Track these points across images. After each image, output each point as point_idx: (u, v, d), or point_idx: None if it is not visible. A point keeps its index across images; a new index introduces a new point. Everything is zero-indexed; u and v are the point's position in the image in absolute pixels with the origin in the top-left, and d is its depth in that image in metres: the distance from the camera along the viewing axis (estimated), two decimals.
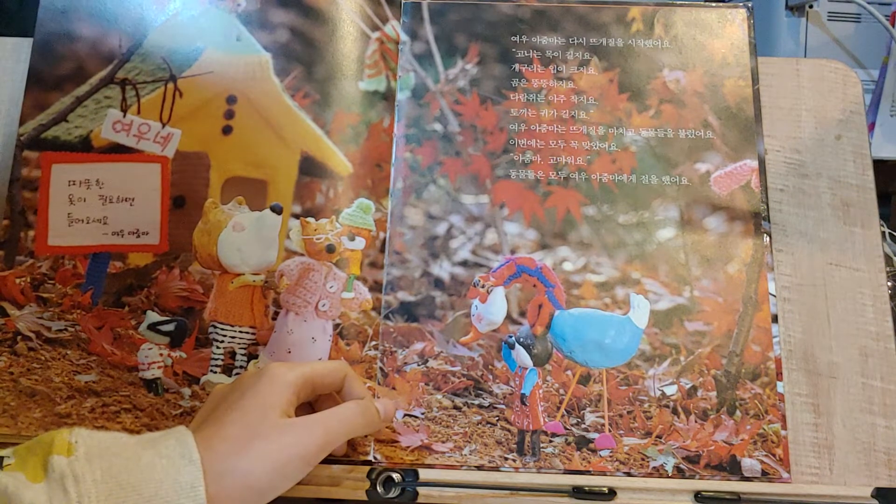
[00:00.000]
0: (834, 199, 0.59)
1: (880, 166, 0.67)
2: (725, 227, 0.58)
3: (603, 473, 0.52)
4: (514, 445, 0.53)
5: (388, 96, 0.61)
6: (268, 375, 0.45)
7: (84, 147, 0.59)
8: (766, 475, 0.52)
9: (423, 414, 0.54)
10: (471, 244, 0.58)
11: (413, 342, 0.56)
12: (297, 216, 0.58)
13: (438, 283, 0.57)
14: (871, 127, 0.82)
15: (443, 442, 0.53)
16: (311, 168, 0.59)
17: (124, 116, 0.60)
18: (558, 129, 0.61)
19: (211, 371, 0.55)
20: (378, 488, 0.51)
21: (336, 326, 0.56)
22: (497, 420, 0.54)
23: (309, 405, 0.50)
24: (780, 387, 0.55)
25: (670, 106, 0.61)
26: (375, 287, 0.57)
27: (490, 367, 0.55)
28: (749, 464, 0.53)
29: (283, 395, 0.45)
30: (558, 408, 0.54)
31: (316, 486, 0.50)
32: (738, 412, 0.54)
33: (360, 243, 0.58)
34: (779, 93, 0.62)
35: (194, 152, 0.60)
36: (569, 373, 0.55)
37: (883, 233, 0.64)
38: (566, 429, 0.54)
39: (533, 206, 0.59)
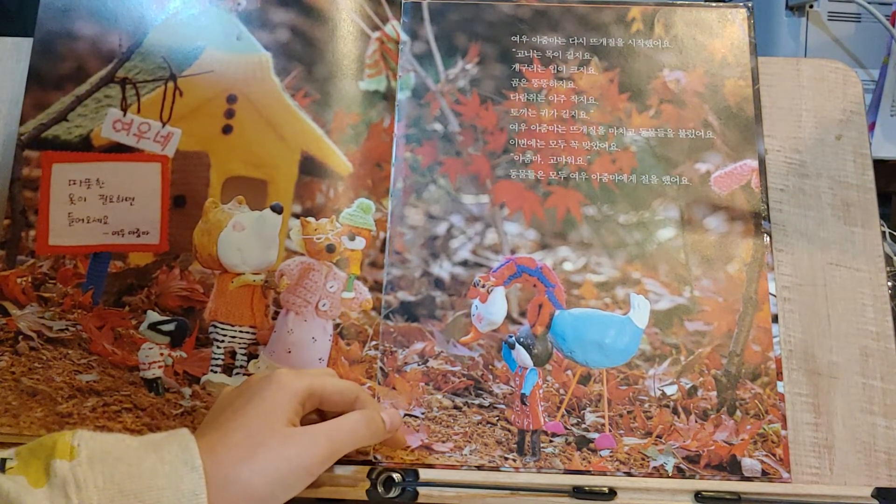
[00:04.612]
0: (834, 199, 0.59)
1: (880, 166, 0.67)
2: (726, 226, 0.58)
3: (603, 473, 0.52)
4: (515, 445, 0.54)
5: (388, 96, 0.61)
6: (275, 382, 0.45)
7: (84, 146, 0.59)
8: (766, 475, 0.53)
9: (423, 414, 0.54)
10: (471, 244, 0.58)
11: (413, 342, 0.56)
12: (297, 216, 0.58)
13: (438, 283, 0.57)
14: (872, 127, 0.82)
15: (443, 442, 0.53)
16: (311, 168, 0.59)
17: (124, 115, 0.60)
18: (558, 129, 0.61)
19: (211, 371, 0.56)
20: (378, 488, 0.51)
21: (336, 326, 0.56)
22: (497, 420, 0.54)
23: (317, 412, 0.50)
24: (780, 387, 0.55)
25: (670, 106, 0.61)
26: (375, 287, 0.57)
27: (490, 366, 0.55)
28: (749, 464, 0.53)
29: (290, 404, 0.45)
30: (558, 408, 0.54)
31: (316, 486, 0.50)
32: (738, 412, 0.54)
33: (360, 243, 0.58)
34: (779, 93, 0.62)
35: (194, 152, 0.60)
36: (569, 373, 0.55)
37: (883, 233, 0.64)
38: (566, 429, 0.54)
39: (533, 206, 0.59)
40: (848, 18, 0.85)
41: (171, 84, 0.60)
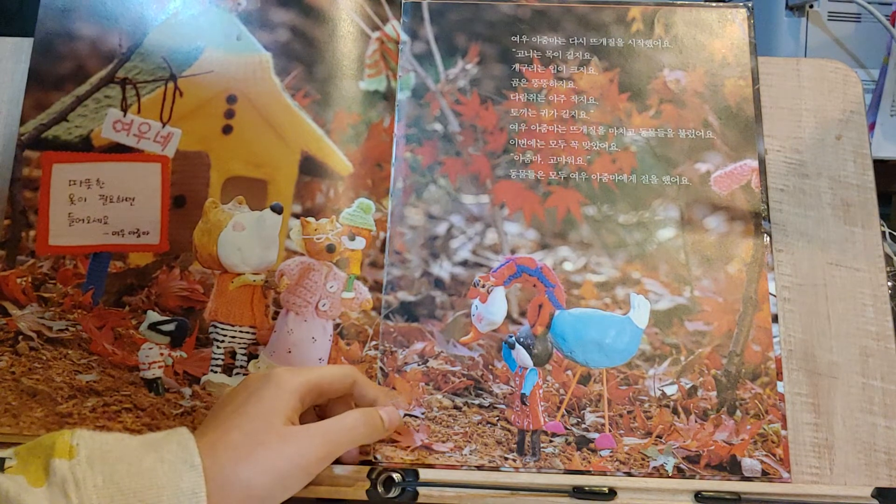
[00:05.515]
0: (834, 199, 0.59)
1: (880, 166, 0.67)
2: (726, 226, 0.58)
3: (603, 473, 0.52)
4: (515, 445, 0.53)
5: (388, 96, 0.61)
6: (273, 381, 0.45)
7: (84, 146, 0.59)
8: (766, 475, 0.52)
9: (423, 414, 0.54)
10: (471, 244, 0.58)
11: (413, 342, 0.56)
12: (297, 216, 0.58)
13: (438, 283, 0.57)
14: (872, 127, 0.82)
15: (443, 442, 0.53)
16: (311, 168, 0.60)
17: (124, 116, 0.60)
18: (558, 129, 0.61)
19: (211, 371, 0.56)
20: (378, 488, 0.51)
21: (336, 326, 0.56)
22: (497, 420, 0.54)
23: (317, 412, 0.51)
24: (780, 387, 0.55)
25: (670, 106, 0.61)
26: (375, 287, 0.57)
27: (490, 367, 0.55)
28: (749, 464, 0.53)
29: (288, 402, 0.45)
30: (558, 408, 0.54)
31: (316, 485, 0.50)
32: (738, 412, 0.54)
33: (360, 243, 0.58)
34: (779, 93, 0.62)
35: (195, 152, 0.60)
36: (569, 373, 0.55)
37: (883, 233, 0.64)
38: (566, 429, 0.54)
39: (533, 205, 0.59)
40: (848, 18, 0.85)
41: (171, 84, 0.60)
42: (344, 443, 0.46)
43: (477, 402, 0.55)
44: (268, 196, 0.59)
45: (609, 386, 0.55)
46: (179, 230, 0.58)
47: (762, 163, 0.59)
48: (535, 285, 0.57)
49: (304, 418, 0.47)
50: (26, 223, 0.58)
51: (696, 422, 0.54)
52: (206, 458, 0.40)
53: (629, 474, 0.52)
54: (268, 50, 0.62)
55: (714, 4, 0.64)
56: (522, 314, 0.56)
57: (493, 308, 0.56)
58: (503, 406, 0.55)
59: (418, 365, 0.56)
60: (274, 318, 0.56)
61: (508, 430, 0.54)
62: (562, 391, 0.55)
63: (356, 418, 0.47)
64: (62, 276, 0.57)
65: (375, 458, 0.53)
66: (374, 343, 0.56)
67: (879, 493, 0.52)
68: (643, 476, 0.52)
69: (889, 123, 0.82)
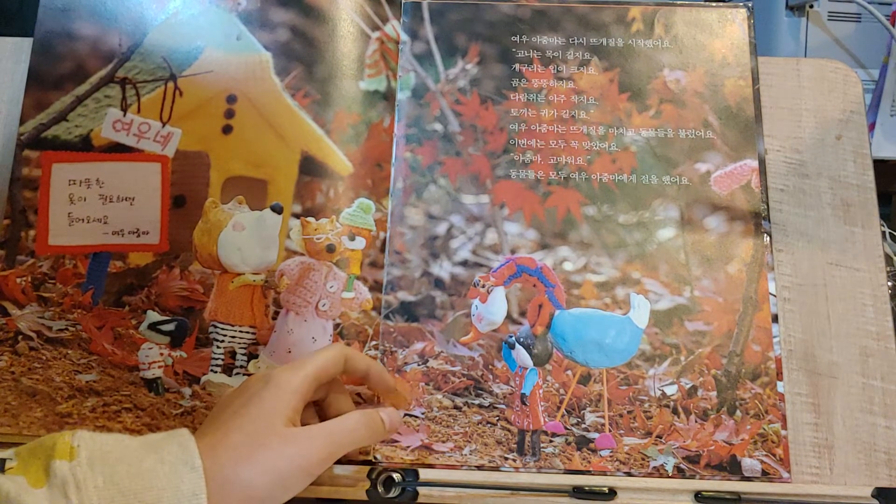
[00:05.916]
0: (834, 199, 0.59)
1: (880, 166, 0.67)
2: (726, 226, 0.58)
3: (603, 473, 0.52)
4: (515, 445, 0.54)
5: (388, 96, 0.61)
6: (274, 382, 0.45)
7: (84, 146, 0.59)
8: (766, 475, 0.53)
9: (423, 414, 0.54)
10: (471, 244, 0.58)
11: (413, 342, 0.56)
12: (297, 216, 0.58)
13: (438, 283, 0.57)
14: (872, 127, 0.82)
15: (443, 442, 0.53)
16: (311, 168, 0.59)
17: (124, 115, 0.60)
18: (558, 129, 0.61)
19: (211, 371, 0.56)
20: (378, 488, 0.51)
21: (336, 326, 0.56)
22: (497, 420, 0.54)
23: (316, 413, 0.51)
24: (780, 387, 0.55)
25: (670, 106, 0.61)
26: (375, 287, 0.57)
27: (490, 366, 0.55)
28: (749, 464, 0.53)
29: (289, 403, 0.45)
30: (558, 408, 0.54)
31: (316, 485, 0.50)
32: (738, 412, 0.54)
33: (360, 243, 0.58)
34: (779, 93, 0.62)
35: (194, 151, 0.60)
36: (569, 373, 0.55)
37: (883, 233, 0.64)
38: (566, 429, 0.54)
39: (533, 206, 0.59)
40: (848, 18, 0.85)
41: (171, 84, 0.60)
42: (345, 444, 0.46)
43: (477, 402, 0.55)
44: (268, 196, 0.59)
45: (609, 386, 0.55)
46: (179, 230, 0.58)
47: (762, 163, 0.59)
48: (535, 285, 0.57)
49: (304, 419, 0.47)
50: (26, 223, 0.58)
51: (696, 422, 0.54)
52: (207, 459, 0.40)
53: (629, 474, 0.52)
54: (268, 50, 0.61)
55: (714, 4, 0.64)
56: (522, 314, 0.56)
57: (493, 308, 0.56)
58: (503, 406, 0.55)
59: (418, 365, 0.56)
60: (274, 318, 0.56)
61: (508, 430, 0.54)
62: (562, 391, 0.55)
63: (357, 420, 0.47)
64: (62, 276, 0.57)
65: (375, 458, 0.53)
66: (374, 343, 0.56)
67: (879, 493, 0.52)
68: (643, 476, 0.52)
69: (889, 123, 0.82)
